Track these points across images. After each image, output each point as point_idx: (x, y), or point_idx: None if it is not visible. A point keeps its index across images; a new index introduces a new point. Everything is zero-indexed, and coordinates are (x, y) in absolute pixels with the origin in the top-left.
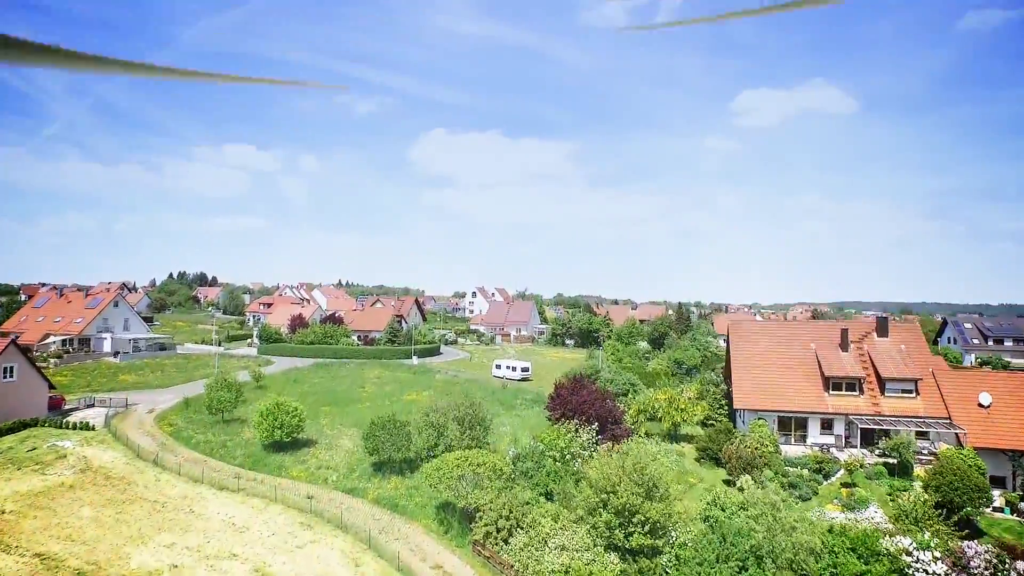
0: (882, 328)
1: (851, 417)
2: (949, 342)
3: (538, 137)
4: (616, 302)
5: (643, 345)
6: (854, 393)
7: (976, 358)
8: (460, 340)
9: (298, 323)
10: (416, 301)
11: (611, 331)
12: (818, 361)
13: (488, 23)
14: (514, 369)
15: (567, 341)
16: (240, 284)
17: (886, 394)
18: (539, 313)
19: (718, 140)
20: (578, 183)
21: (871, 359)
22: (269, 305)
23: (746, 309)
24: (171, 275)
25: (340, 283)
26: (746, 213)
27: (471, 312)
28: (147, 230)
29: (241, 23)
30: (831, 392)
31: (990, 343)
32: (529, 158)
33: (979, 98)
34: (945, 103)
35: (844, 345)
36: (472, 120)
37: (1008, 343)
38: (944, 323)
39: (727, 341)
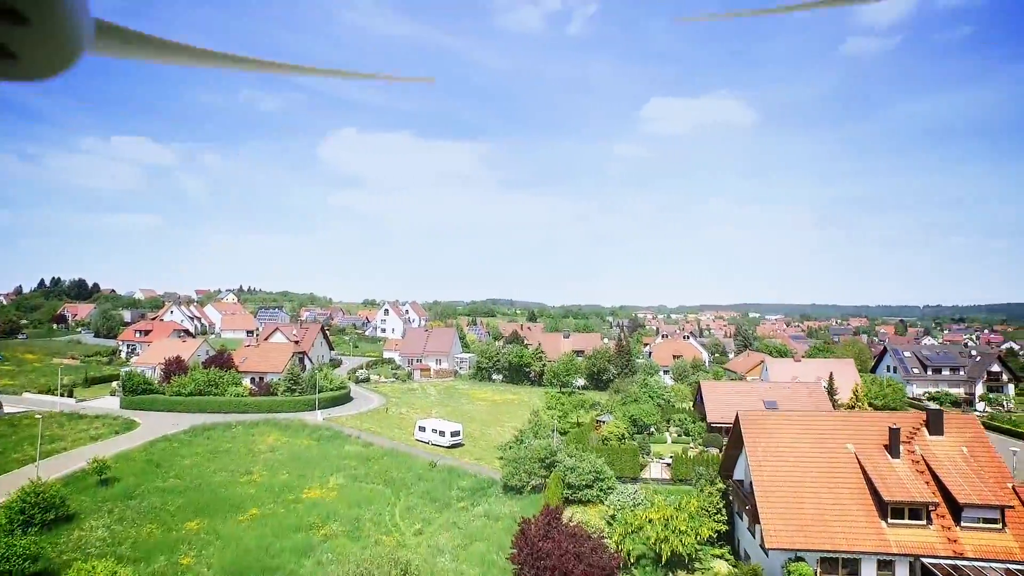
0: (935, 423)
1: (922, 559)
2: (889, 371)
3: (451, 139)
4: (534, 318)
5: (583, 391)
6: (920, 522)
7: (925, 394)
8: (373, 377)
9: (175, 368)
10: (322, 329)
11: (544, 366)
12: (864, 472)
13: (401, 22)
14: (442, 433)
15: (494, 376)
16: (127, 293)
17: (962, 524)
18: (460, 338)
19: (628, 146)
20: (491, 186)
21: (930, 470)
22: (147, 332)
23: (653, 317)
24: (43, 282)
25: (242, 289)
26: (655, 218)
27: (383, 331)
28: (21, 228)
29: (133, 9)
30: (889, 521)
31: (929, 372)
32: (441, 160)
33: (858, 116)
34: (831, 119)
35: (893, 448)
36: (384, 120)
37: (946, 372)
38: (883, 351)
39: (732, 432)
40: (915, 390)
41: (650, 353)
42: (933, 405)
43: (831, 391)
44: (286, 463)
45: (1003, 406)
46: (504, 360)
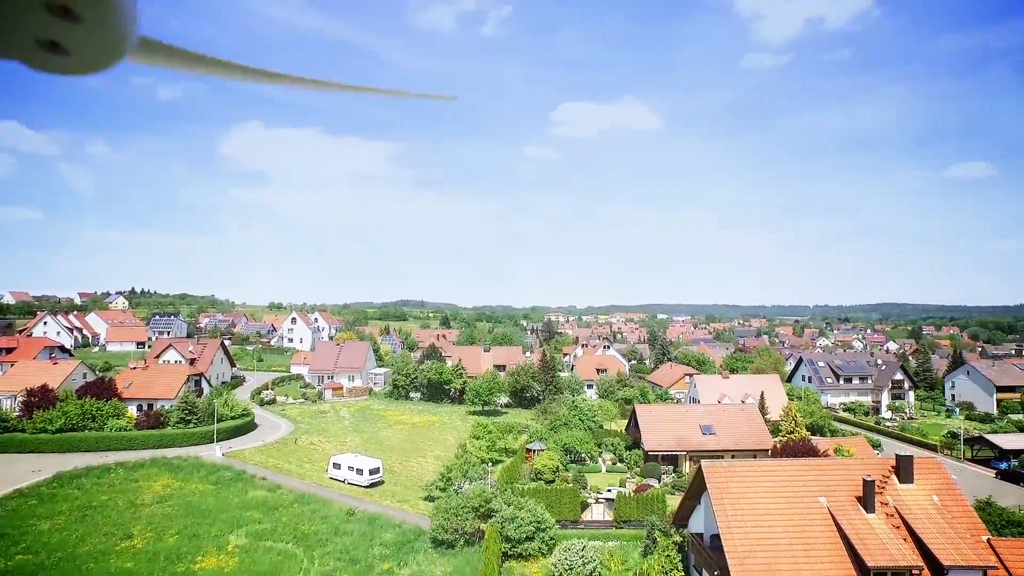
0: (905, 470)
1: None
2: (804, 380)
3: (361, 136)
4: (448, 322)
5: (506, 408)
6: None
7: (841, 404)
8: (280, 398)
9: (39, 399)
10: (222, 345)
11: (465, 383)
12: (839, 529)
13: (312, 15)
14: (360, 471)
15: (412, 394)
16: None
17: None
18: (374, 351)
19: (539, 148)
20: (402, 185)
21: (906, 524)
22: (11, 350)
23: (566, 320)
24: None
25: (134, 291)
26: (565, 219)
27: (290, 340)
28: None
29: None
30: None
31: (841, 381)
32: (352, 158)
33: (755, 126)
34: (731, 128)
35: (868, 502)
36: (291, 114)
37: (856, 381)
38: (799, 361)
39: (692, 482)
40: (829, 399)
41: (572, 366)
42: (847, 414)
43: (763, 409)
44: (176, 518)
45: (905, 412)
46: (423, 377)
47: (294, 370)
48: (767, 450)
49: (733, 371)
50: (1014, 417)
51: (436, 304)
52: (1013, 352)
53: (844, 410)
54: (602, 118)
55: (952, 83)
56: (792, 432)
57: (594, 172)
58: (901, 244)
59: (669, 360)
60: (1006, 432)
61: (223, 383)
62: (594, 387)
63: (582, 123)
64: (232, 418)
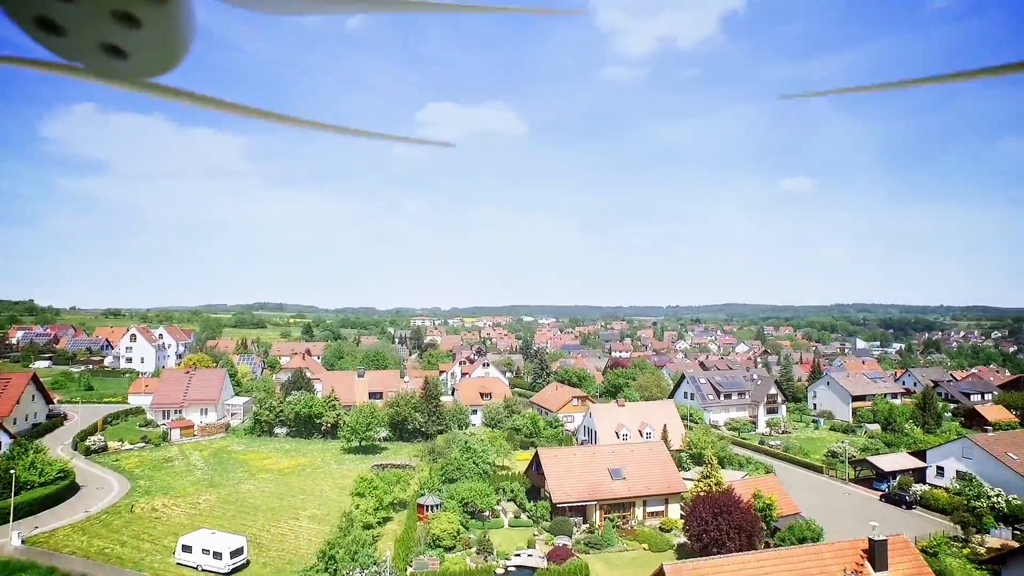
0: (880, 557)
1: None
2: (686, 397)
3: (212, 127)
4: (311, 331)
5: (386, 442)
6: None
7: (726, 423)
8: (113, 443)
9: None
10: (34, 378)
11: (339, 416)
12: None
13: None
14: (218, 555)
15: (277, 429)
16: None
17: None
18: (231, 375)
19: (405, 147)
20: (257, 181)
21: None
22: None
23: (434, 327)
24: None
25: None
26: (431, 220)
27: (128, 360)
28: None
29: None
30: None
31: (722, 398)
32: (202, 150)
33: (614, 135)
34: (592, 135)
35: None
36: (131, 98)
37: (735, 397)
38: (682, 378)
39: None
40: (712, 416)
41: (454, 389)
42: (730, 433)
43: (666, 443)
44: None
45: (781, 426)
46: (290, 411)
47: (133, 401)
48: (679, 493)
49: (615, 388)
50: (871, 427)
51: (296, 307)
52: (838, 351)
53: (729, 429)
54: (469, 121)
55: (782, 106)
56: (708, 476)
57: (460, 174)
58: (742, 249)
59: (547, 374)
60: (882, 454)
61: (34, 426)
62: (479, 413)
63: (449, 124)
64: (42, 484)
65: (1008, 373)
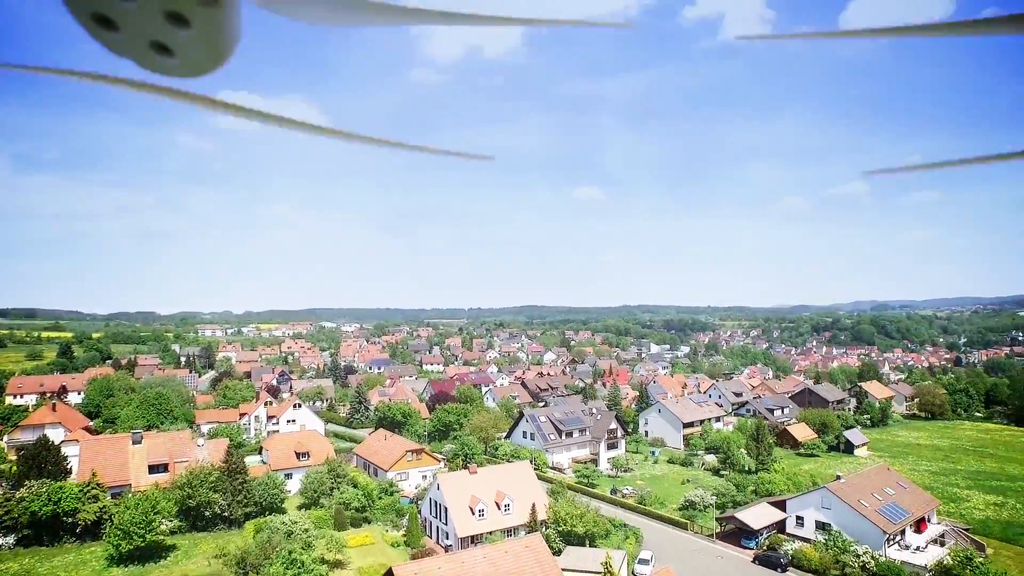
0: None
1: None
2: (526, 437)
3: None
4: (69, 353)
5: (172, 536)
6: None
7: (570, 463)
8: None
9: None
10: None
11: (104, 510)
12: None
13: None
14: None
15: (1, 538)
16: None
17: None
18: None
19: (192, 137)
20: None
21: None
22: None
23: (226, 343)
24: None
25: None
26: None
27: None
28: None
29: None
30: None
31: (563, 437)
32: None
33: (419, 137)
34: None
35: None
36: None
37: (576, 435)
38: (520, 416)
39: None
40: (554, 457)
41: (262, 448)
42: (577, 481)
43: (533, 521)
44: None
45: (623, 465)
46: (21, 510)
47: None
48: None
49: (445, 427)
50: (708, 458)
51: (52, 311)
52: (637, 356)
53: (576, 474)
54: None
55: (576, 119)
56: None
57: (256, 169)
58: (538, 252)
59: (366, 408)
60: (738, 501)
61: None
62: (295, 478)
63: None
64: None
65: (772, 372)
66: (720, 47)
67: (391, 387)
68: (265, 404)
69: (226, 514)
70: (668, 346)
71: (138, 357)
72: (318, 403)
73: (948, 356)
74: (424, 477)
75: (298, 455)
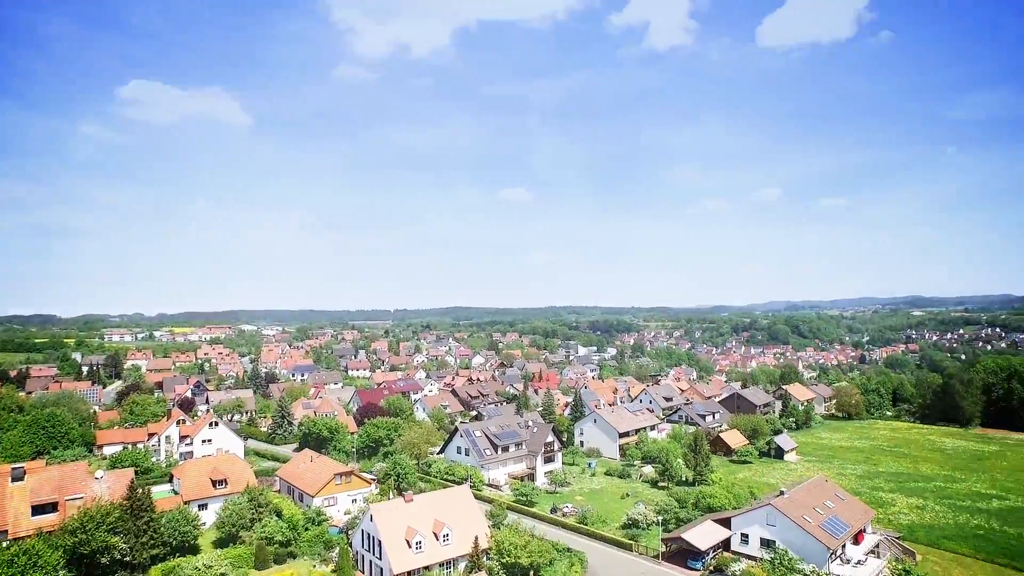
0: None
1: None
2: (460, 453)
3: None
4: None
5: None
6: None
7: (507, 480)
8: None
9: None
10: None
11: None
12: None
13: None
14: None
15: None
16: None
17: None
18: None
19: (98, 127)
20: None
21: None
22: None
23: (137, 351)
24: None
25: None
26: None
27: None
28: None
29: None
30: None
31: (499, 452)
32: None
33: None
34: (327, 134)
35: None
36: None
37: (512, 449)
38: (454, 431)
39: None
40: (490, 473)
41: (172, 476)
42: (515, 499)
43: (475, 553)
44: None
45: (562, 476)
46: None
47: None
48: None
49: (375, 444)
50: (645, 470)
51: None
52: (565, 359)
53: (514, 491)
54: (184, 104)
55: (504, 120)
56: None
57: (172, 162)
58: (465, 253)
59: (289, 422)
60: (680, 517)
61: None
62: (211, 509)
63: (158, 106)
64: None
65: (696, 373)
66: (645, 54)
67: (316, 398)
68: (178, 423)
69: (128, 559)
70: (595, 348)
71: (31, 368)
72: (237, 416)
73: (854, 354)
74: (354, 501)
75: (214, 483)
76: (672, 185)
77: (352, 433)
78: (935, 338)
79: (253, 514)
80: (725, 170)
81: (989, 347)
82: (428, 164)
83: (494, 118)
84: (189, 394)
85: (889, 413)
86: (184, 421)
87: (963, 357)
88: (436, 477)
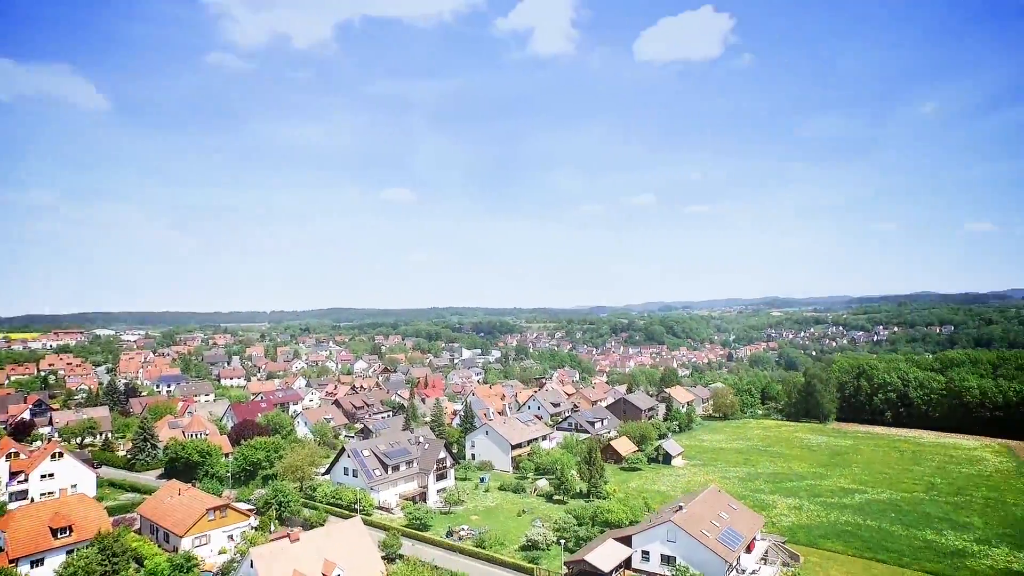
0: None
1: None
2: (348, 474)
3: None
4: None
5: None
6: None
7: (398, 501)
8: None
9: None
10: None
11: None
12: None
13: None
14: None
15: None
16: None
17: None
18: None
19: None
20: None
21: None
22: None
23: None
24: None
25: None
26: None
27: None
28: None
29: None
30: None
31: (390, 471)
32: None
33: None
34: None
35: None
36: None
37: (403, 468)
38: (341, 451)
39: None
40: (381, 496)
41: None
42: (408, 523)
43: None
44: None
45: (453, 497)
46: None
47: None
48: None
49: (253, 467)
50: (540, 484)
51: None
52: (450, 362)
53: (404, 512)
54: (25, 80)
55: (387, 119)
56: None
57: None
58: (344, 253)
59: (153, 446)
60: (580, 536)
61: None
62: (49, 566)
63: None
64: None
65: (578, 375)
66: (529, 59)
67: (184, 416)
68: (8, 456)
69: None
70: (479, 351)
71: None
72: (90, 439)
73: (722, 352)
74: (230, 538)
75: (55, 531)
76: (552, 189)
77: (227, 455)
78: (791, 336)
79: (106, 567)
80: (603, 176)
81: (835, 344)
82: (308, 162)
83: (377, 115)
84: (27, 415)
85: (760, 412)
86: (17, 454)
87: (814, 353)
88: (322, 503)
